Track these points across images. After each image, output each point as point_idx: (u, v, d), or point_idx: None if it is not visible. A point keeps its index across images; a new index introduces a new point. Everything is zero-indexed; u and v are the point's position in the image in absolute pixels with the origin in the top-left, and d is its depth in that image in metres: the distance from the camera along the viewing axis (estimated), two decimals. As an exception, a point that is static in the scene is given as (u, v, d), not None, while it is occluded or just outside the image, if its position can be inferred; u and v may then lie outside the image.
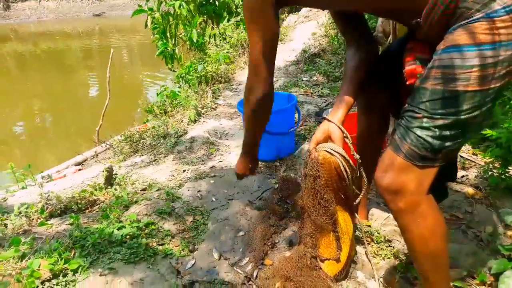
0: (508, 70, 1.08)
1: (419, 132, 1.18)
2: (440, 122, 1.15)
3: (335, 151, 1.59)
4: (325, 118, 1.66)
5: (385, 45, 2.25)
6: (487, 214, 2.03)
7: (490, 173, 2.20)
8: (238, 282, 1.73)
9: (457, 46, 1.09)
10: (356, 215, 1.78)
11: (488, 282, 1.67)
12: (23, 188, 2.65)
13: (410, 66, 1.30)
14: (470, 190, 2.21)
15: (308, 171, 1.62)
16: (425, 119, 1.16)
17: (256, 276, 1.77)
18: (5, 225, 2.14)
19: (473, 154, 2.61)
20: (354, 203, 1.74)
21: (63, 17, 21.14)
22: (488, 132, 2.12)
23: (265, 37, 1.41)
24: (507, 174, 2.14)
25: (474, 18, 1.06)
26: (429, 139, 1.17)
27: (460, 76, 1.09)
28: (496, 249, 1.82)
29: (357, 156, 1.65)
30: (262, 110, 1.63)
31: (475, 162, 2.50)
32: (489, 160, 2.31)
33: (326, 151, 1.60)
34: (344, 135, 1.63)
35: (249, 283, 1.72)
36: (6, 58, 13.06)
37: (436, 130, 1.16)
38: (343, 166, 1.61)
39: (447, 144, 1.18)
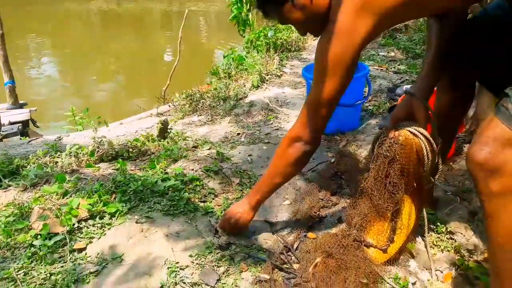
0: None
1: None
2: None
3: (419, 133, 1.40)
4: (409, 93, 1.47)
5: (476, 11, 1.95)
6: None
7: None
8: (276, 250, 1.61)
9: None
10: (424, 208, 1.58)
11: None
12: (78, 130, 2.70)
13: None
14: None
15: (384, 152, 1.44)
16: None
17: (297, 248, 1.63)
18: (56, 163, 2.18)
19: None
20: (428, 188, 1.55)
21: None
22: None
23: (341, 84, 1.31)
24: None
25: None
26: None
27: None
28: None
29: (440, 140, 1.44)
30: (297, 167, 1.54)
31: None
32: None
33: (410, 131, 1.42)
34: (430, 114, 1.43)
35: (288, 253, 1.59)
36: (91, 15, 13.73)
37: None
38: (426, 150, 1.41)
39: None
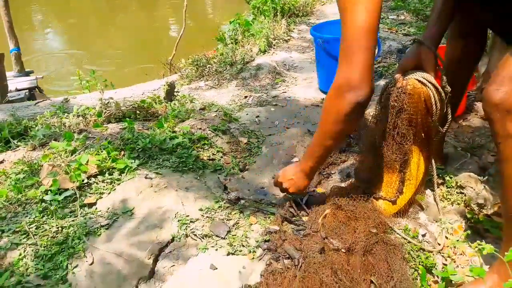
0: None
1: None
2: None
3: (427, 81, 1.37)
4: (417, 41, 1.43)
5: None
6: None
7: None
8: (285, 204, 1.61)
9: None
10: (432, 159, 1.56)
11: None
12: (85, 93, 2.69)
13: None
14: None
15: (392, 102, 1.40)
16: None
17: (306, 202, 1.63)
18: (64, 123, 2.18)
19: None
20: (434, 140, 1.52)
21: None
22: None
23: (371, 7, 1.12)
24: None
25: None
26: None
27: None
28: None
29: (449, 89, 1.40)
30: (353, 117, 1.25)
31: None
32: None
33: (417, 79, 1.38)
34: (439, 62, 1.39)
35: (297, 206, 1.59)
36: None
37: None
38: (435, 99, 1.38)
39: None
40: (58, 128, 2.08)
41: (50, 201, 1.56)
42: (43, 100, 2.54)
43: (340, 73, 1.20)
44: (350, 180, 1.67)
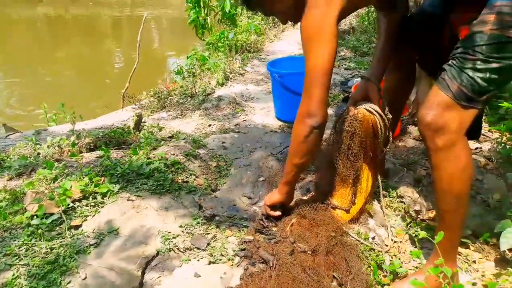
0: None
1: (471, 73, 1.24)
2: (493, 65, 1.21)
3: (374, 110, 1.67)
4: (364, 77, 1.74)
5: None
6: (496, 183, 2.09)
7: (502, 145, 2.24)
8: (257, 218, 1.83)
9: None
10: (379, 174, 1.85)
11: (491, 242, 1.74)
12: (55, 123, 2.78)
13: (465, 25, 1.32)
14: (482, 161, 2.26)
15: (346, 127, 1.68)
16: (479, 62, 1.22)
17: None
18: (38, 154, 2.28)
19: (489, 131, 2.63)
20: (379, 158, 1.82)
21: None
22: (504, 104, 2.17)
23: (328, 51, 1.39)
24: (519, 146, 2.18)
25: None
26: (479, 81, 1.23)
27: None
28: (501, 214, 1.87)
29: (390, 116, 1.71)
30: (312, 144, 1.52)
31: (490, 138, 2.53)
32: (504, 133, 2.35)
33: (366, 109, 1.67)
34: (382, 94, 1.71)
35: (267, 219, 1.82)
36: (37, 22, 13.31)
37: (487, 73, 1.22)
38: (380, 125, 1.68)
39: (492, 87, 1.25)
40: (34, 158, 2.18)
41: (37, 225, 1.66)
42: (13, 133, 2.61)
43: (302, 104, 1.48)
44: (311, 194, 1.93)
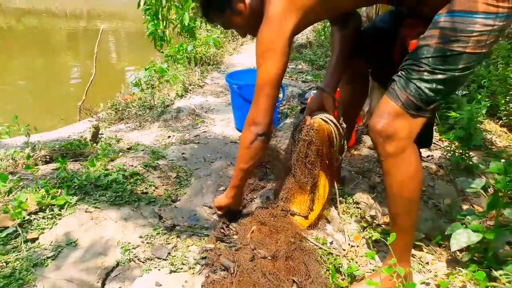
0: (495, 39, 1.27)
1: (418, 83, 1.34)
2: (439, 76, 1.31)
3: (329, 120, 1.74)
4: (319, 88, 1.82)
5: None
6: (446, 189, 2.22)
7: (452, 152, 2.38)
8: (217, 226, 1.85)
9: (462, 11, 1.24)
10: (335, 181, 1.93)
11: (443, 245, 1.85)
12: (8, 136, 2.68)
13: (414, 39, 1.41)
14: (433, 168, 2.40)
15: (303, 136, 1.74)
16: (425, 73, 1.32)
17: (236, 221, 1.89)
18: (-10, 167, 2.20)
19: (439, 140, 2.80)
20: (335, 166, 1.89)
21: (51, -5, 20.74)
22: (452, 114, 2.32)
23: (278, 65, 1.47)
24: (467, 154, 2.33)
25: None
26: (426, 91, 1.33)
27: (461, 38, 1.25)
28: (452, 218, 2.00)
29: (344, 125, 1.80)
30: (256, 147, 1.58)
31: (440, 146, 2.69)
32: (453, 141, 2.51)
33: (322, 118, 1.74)
34: (336, 104, 1.78)
35: (228, 228, 1.84)
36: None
37: (434, 83, 1.32)
38: (335, 133, 1.75)
39: (438, 97, 1.35)
40: (-14, 171, 2.10)
41: (-9, 239, 1.62)
42: (-38, 145, 2.49)
43: (250, 113, 1.56)
44: (270, 201, 1.97)
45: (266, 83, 1.49)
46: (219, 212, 1.88)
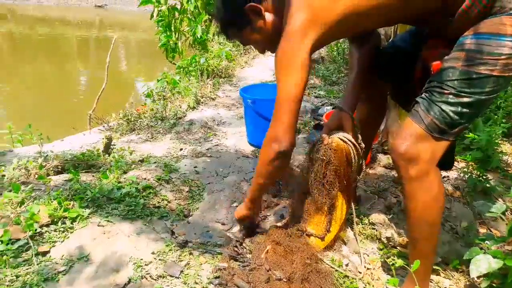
0: None
1: (444, 106, 1.31)
2: (464, 99, 1.28)
3: (347, 139, 1.71)
4: (338, 107, 1.79)
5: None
6: (463, 211, 2.17)
7: (469, 174, 2.34)
8: (231, 245, 1.81)
9: (489, 33, 1.22)
10: (352, 201, 1.89)
11: (460, 269, 1.80)
12: (21, 145, 2.67)
13: (437, 60, 1.39)
14: (449, 189, 2.35)
15: (321, 156, 1.71)
16: (451, 96, 1.29)
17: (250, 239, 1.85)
18: (3, 176, 2.19)
19: (455, 160, 2.76)
20: (353, 186, 1.86)
21: (64, 4, 21.05)
22: (470, 135, 2.28)
23: (299, 81, 1.44)
24: (484, 177, 2.29)
25: (507, 13, 1.21)
26: (451, 114, 1.30)
27: (488, 61, 1.23)
28: (469, 241, 1.95)
29: (363, 145, 1.77)
30: (278, 163, 1.53)
31: (456, 167, 2.64)
32: (470, 163, 2.46)
33: (340, 138, 1.71)
34: (355, 123, 1.75)
35: (241, 246, 1.81)
36: (0, 39, 12.94)
37: (459, 106, 1.29)
38: (353, 154, 1.72)
39: (463, 120, 1.32)
40: (-1, 180, 2.09)
41: (2, 251, 1.59)
42: (-25, 153, 2.49)
43: (271, 128, 1.51)
44: (285, 220, 1.94)
45: (288, 99, 1.45)
46: (238, 225, 1.88)
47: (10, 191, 1.90)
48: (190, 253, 1.75)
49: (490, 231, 2.06)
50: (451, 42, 1.34)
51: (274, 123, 1.50)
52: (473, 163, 2.46)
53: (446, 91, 1.30)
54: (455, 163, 2.69)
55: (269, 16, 1.57)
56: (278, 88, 1.48)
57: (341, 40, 5.66)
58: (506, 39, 1.20)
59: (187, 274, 1.63)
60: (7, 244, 1.62)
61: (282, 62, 1.46)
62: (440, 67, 1.34)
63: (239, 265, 1.70)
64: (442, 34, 1.45)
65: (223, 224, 1.99)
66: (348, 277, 1.68)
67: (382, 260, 1.82)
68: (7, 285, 1.46)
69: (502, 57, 1.21)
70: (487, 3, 1.24)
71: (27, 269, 1.54)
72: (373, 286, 1.69)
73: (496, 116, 2.81)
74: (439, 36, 1.47)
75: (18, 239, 1.66)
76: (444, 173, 2.54)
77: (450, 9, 1.33)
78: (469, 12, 1.28)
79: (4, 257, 1.56)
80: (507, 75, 1.25)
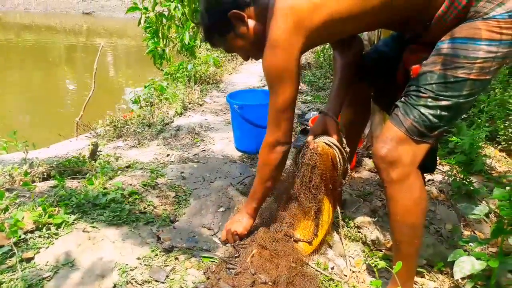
0: (499, 66, 1.28)
1: (423, 110, 1.33)
2: (443, 103, 1.31)
3: (332, 144, 1.73)
4: (322, 112, 1.81)
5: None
6: (448, 214, 2.21)
7: (453, 177, 2.38)
8: (216, 250, 1.81)
9: (466, 38, 1.25)
10: (337, 205, 1.91)
11: (445, 271, 1.82)
12: (6, 152, 2.65)
13: (417, 64, 1.42)
14: (434, 192, 2.39)
15: (307, 161, 1.73)
16: (429, 99, 1.32)
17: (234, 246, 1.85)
18: (-13, 183, 2.17)
19: (440, 164, 2.80)
20: (339, 190, 1.88)
21: (52, 11, 20.98)
22: (453, 138, 2.32)
23: (292, 88, 1.51)
24: (468, 180, 2.32)
25: (482, 17, 1.23)
26: (430, 117, 1.33)
27: (465, 65, 1.25)
28: (453, 243, 1.98)
29: (348, 149, 1.79)
30: (282, 167, 1.70)
31: (440, 170, 2.68)
32: (454, 166, 2.50)
33: (325, 142, 1.73)
34: (340, 128, 1.78)
35: (227, 250, 1.81)
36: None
37: (438, 110, 1.32)
38: (339, 157, 1.74)
39: (442, 123, 1.34)
40: (-18, 188, 2.07)
41: (-14, 258, 1.58)
42: (-42, 160, 2.46)
43: (271, 135, 1.60)
44: (273, 225, 1.94)
45: (284, 107, 1.53)
46: (239, 235, 1.85)
47: (-6, 197, 1.88)
48: (176, 258, 1.75)
49: (474, 233, 2.09)
50: (430, 47, 1.37)
51: (274, 130, 1.59)
52: (457, 167, 2.50)
53: (424, 95, 1.33)
54: (440, 167, 2.73)
55: (252, 23, 1.59)
56: (273, 97, 1.54)
57: (327, 46, 5.72)
58: (482, 43, 1.23)
59: (173, 279, 1.63)
60: (-10, 251, 1.61)
61: (273, 72, 1.49)
62: (419, 71, 1.37)
63: (225, 268, 1.70)
64: (421, 39, 1.48)
65: (209, 229, 1.99)
66: (333, 280, 1.69)
67: (367, 263, 1.84)
68: (-10, 292, 1.44)
69: (478, 60, 1.24)
70: (462, 8, 1.27)
71: (11, 275, 1.52)
72: (358, 288, 1.70)
73: (479, 120, 2.86)
74: (419, 41, 1.51)
75: (2, 246, 1.64)
76: (428, 176, 2.58)
77: (427, 14, 1.36)
78: (445, 17, 1.32)
79: (-12, 264, 1.54)
80: (483, 78, 1.28)
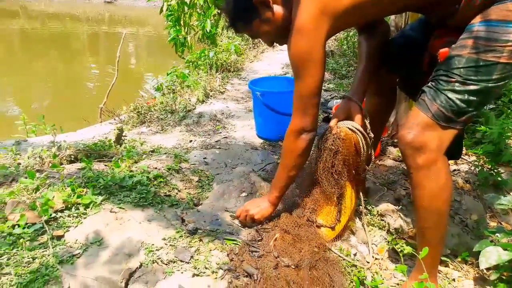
0: None
1: (450, 94, 1.31)
2: (471, 87, 1.29)
3: (356, 129, 1.72)
4: (346, 97, 1.80)
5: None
6: (473, 204, 2.18)
7: (480, 167, 2.34)
8: (239, 233, 1.84)
9: (496, 21, 1.22)
10: (360, 192, 1.90)
11: (469, 261, 1.81)
12: (35, 135, 2.73)
13: (444, 48, 1.39)
14: (460, 182, 2.35)
15: (329, 146, 1.73)
16: (457, 84, 1.30)
17: (257, 230, 1.87)
18: (18, 164, 2.24)
19: (466, 154, 2.75)
20: (362, 176, 1.88)
21: (74, 0, 21.23)
22: (481, 128, 2.28)
23: (319, 74, 1.50)
24: (495, 170, 2.29)
25: None
26: (458, 102, 1.31)
27: (495, 48, 1.23)
28: (479, 234, 1.96)
29: (372, 135, 1.78)
30: (307, 155, 1.70)
31: (467, 161, 2.64)
32: (481, 156, 2.46)
33: (348, 127, 1.72)
34: (363, 113, 1.76)
35: (250, 233, 1.83)
36: (13, 35, 13.09)
37: (466, 94, 1.30)
38: (362, 143, 1.73)
39: (470, 109, 1.32)
40: (14, 168, 2.13)
41: (19, 234, 1.63)
42: (-10, 142, 2.54)
43: (297, 122, 1.59)
44: (296, 210, 1.95)
45: (310, 94, 1.52)
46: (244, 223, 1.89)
47: (26, 178, 1.94)
48: (200, 240, 1.78)
49: (501, 224, 2.07)
50: (458, 31, 1.35)
51: (300, 117, 1.58)
52: (484, 157, 2.46)
53: (452, 79, 1.31)
54: (466, 157, 2.69)
55: (277, 8, 1.59)
56: (298, 83, 1.53)
57: (350, 34, 5.65)
58: None
59: (197, 259, 1.66)
60: (24, 228, 1.66)
61: (300, 57, 1.49)
62: (447, 55, 1.34)
63: (248, 251, 1.72)
64: (448, 22, 1.46)
65: (232, 213, 2.02)
66: (356, 266, 1.70)
67: (390, 250, 1.83)
68: (24, 266, 1.50)
69: (509, 43, 1.21)
70: None
71: (43, 251, 1.58)
72: (381, 275, 1.70)
73: (509, 110, 2.79)
74: (446, 25, 1.48)
75: (34, 224, 1.70)
76: (454, 166, 2.55)
77: None
78: (474, 0, 1.29)
79: (21, 240, 1.59)
80: None
